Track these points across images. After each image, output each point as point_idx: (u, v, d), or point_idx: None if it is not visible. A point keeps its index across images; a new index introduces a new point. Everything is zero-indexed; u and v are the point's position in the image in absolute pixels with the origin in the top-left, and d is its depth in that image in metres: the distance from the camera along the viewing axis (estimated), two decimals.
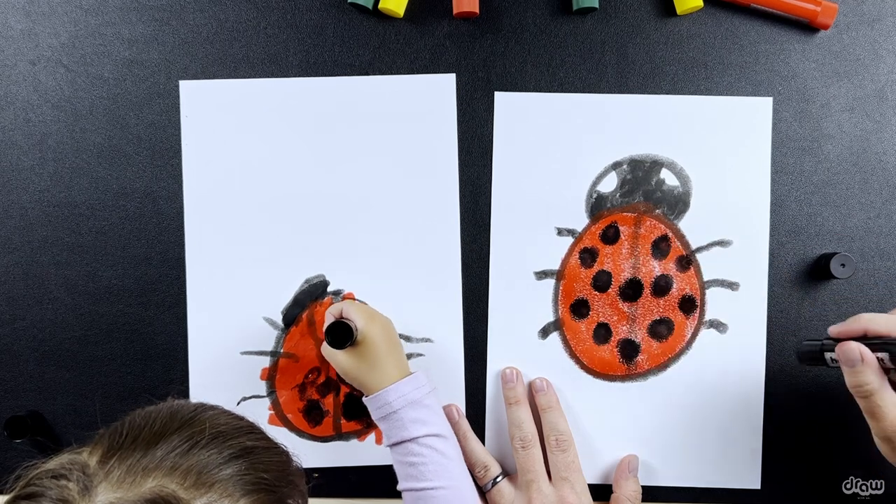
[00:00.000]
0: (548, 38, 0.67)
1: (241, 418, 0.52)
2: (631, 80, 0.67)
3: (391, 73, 0.67)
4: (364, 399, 0.63)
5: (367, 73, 0.67)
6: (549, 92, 0.67)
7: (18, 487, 0.45)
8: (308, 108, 0.67)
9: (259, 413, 0.68)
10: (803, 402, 0.69)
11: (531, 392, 0.68)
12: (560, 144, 0.68)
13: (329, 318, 0.64)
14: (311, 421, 0.69)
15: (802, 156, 0.68)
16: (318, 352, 0.68)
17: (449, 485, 0.60)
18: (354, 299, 0.68)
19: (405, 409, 0.61)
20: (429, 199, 0.68)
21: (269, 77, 0.67)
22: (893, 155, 0.68)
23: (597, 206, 0.68)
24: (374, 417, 0.63)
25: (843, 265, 0.65)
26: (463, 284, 0.68)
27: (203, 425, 0.48)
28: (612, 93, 0.67)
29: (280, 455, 0.51)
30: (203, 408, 0.51)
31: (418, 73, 0.67)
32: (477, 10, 0.66)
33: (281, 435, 0.68)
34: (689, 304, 0.68)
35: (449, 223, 0.68)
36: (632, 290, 0.68)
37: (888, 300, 0.68)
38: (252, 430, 0.51)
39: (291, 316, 0.68)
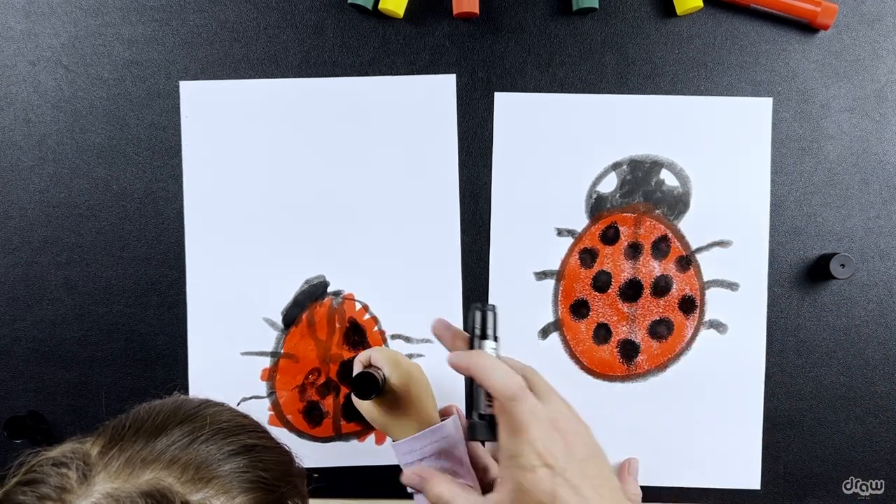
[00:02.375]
0: (548, 39, 0.67)
1: (246, 416, 0.52)
2: (631, 80, 0.67)
3: (391, 74, 0.67)
4: (392, 444, 0.62)
5: (367, 74, 0.67)
6: (549, 92, 0.67)
7: (21, 473, 0.45)
8: (308, 108, 0.67)
9: (259, 414, 0.68)
10: (803, 402, 0.69)
11: None
12: (560, 145, 0.68)
13: (357, 367, 0.63)
14: (311, 422, 0.69)
15: (802, 156, 0.68)
16: (318, 352, 0.68)
17: None
18: (354, 300, 0.68)
19: (430, 458, 0.59)
20: (429, 199, 0.68)
21: (269, 77, 0.67)
22: (893, 155, 0.68)
23: (597, 206, 0.68)
24: (400, 463, 0.61)
25: (843, 265, 0.65)
26: (463, 284, 0.68)
27: (205, 420, 0.48)
28: (612, 93, 0.67)
29: (281, 455, 0.51)
30: (207, 404, 0.51)
31: (418, 73, 0.67)
32: (477, 11, 0.66)
33: (281, 435, 0.68)
34: (688, 305, 0.68)
35: (449, 223, 0.68)
36: (632, 291, 0.68)
37: (888, 300, 0.68)
38: (255, 428, 0.51)
39: (291, 316, 0.68)
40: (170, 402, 0.50)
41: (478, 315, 0.51)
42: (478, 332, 0.51)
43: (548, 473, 0.45)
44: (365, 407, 0.62)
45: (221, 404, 0.52)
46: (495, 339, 0.51)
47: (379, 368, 0.61)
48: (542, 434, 0.46)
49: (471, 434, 0.49)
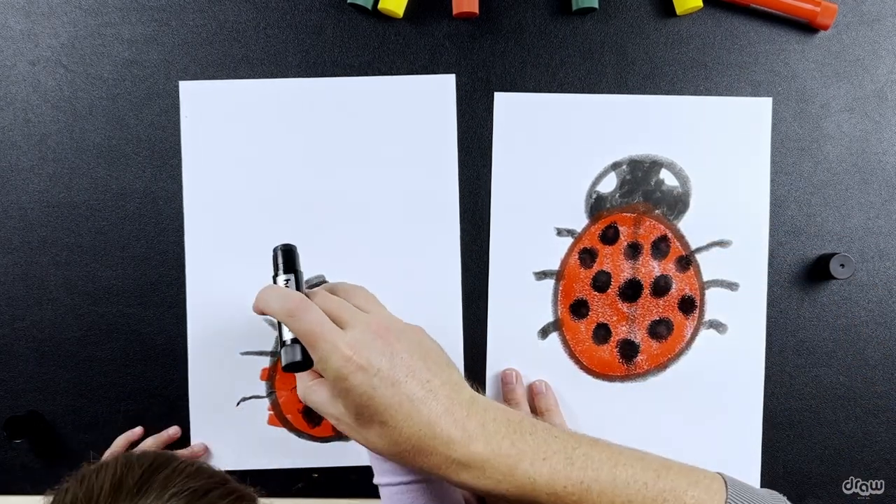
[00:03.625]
0: (548, 39, 0.67)
1: (199, 472, 0.48)
2: (630, 80, 0.67)
3: (391, 74, 0.67)
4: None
5: (366, 74, 0.67)
6: (549, 92, 0.67)
7: None
8: (308, 108, 0.68)
9: (259, 413, 0.68)
10: (803, 402, 0.69)
11: (531, 394, 0.68)
12: (560, 145, 0.68)
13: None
14: (311, 421, 0.69)
15: (802, 156, 0.68)
16: None
17: (428, 477, 0.55)
18: None
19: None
20: (429, 199, 0.68)
21: (268, 77, 0.67)
22: (893, 155, 0.68)
23: (596, 206, 0.68)
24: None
25: (842, 265, 0.65)
26: (463, 284, 0.68)
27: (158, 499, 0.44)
28: (611, 93, 0.67)
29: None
30: (151, 469, 0.46)
31: (418, 73, 0.67)
32: (477, 11, 0.66)
33: (281, 435, 0.68)
34: (688, 305, 0.68)
35: (449, 223, 0.68)
36: (631, 291, 0.68)
37: (888, 300, 0.68)
38: (207, 491, 0.47)
39: None
40: (107, 475, 0.45)
41: (274, 255, 0.52)
42: (276, 271, 0.52)
43: (362, 375, 0.44)
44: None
45: (169, 462, 0.47)
46: (293, 272, 0.52)
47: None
48: (355, 338, 0.45)
49: (283, 364, 0.48)
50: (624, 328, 0.68)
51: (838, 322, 0.68)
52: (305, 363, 0.49)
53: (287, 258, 0.53)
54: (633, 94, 0.67)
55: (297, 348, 0.48)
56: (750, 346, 0.68)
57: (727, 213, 0.68)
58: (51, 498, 0.45)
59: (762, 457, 0.68)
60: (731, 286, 0.68)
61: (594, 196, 0.68)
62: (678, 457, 0.68)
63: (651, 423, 0.68)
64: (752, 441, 0.68)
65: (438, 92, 0.67)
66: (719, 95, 0.67)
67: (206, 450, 0.68)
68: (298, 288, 0.52)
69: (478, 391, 0.49)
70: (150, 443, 0.67)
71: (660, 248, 0.68)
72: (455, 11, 0.66)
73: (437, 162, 0.68)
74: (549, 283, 0.68)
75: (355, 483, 0.69)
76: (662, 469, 0.47)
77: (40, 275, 0.68)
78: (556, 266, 0.68)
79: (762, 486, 0.68)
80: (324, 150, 0.68)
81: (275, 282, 0.51)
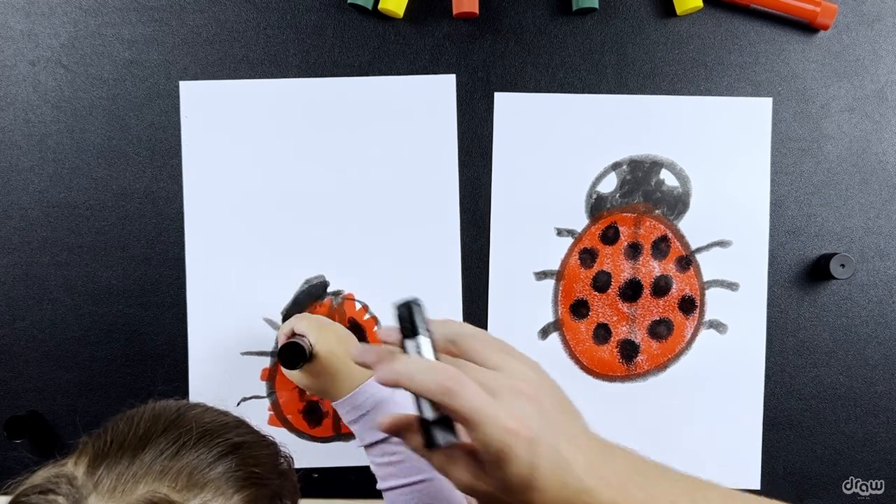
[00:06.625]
0: (548, 39, 0.67)
1: (227, 414, 0.51)
2: (631, 80, 0.67)
3: (391, 74, 0.67)
4: (333, 404, 0.62)
5: (366, 74, 0.67)
6: (549, 92, 0.67)
7: None
8: (308, 108, 0.67)
9: (259, 414, 0.68)
10: (803, 402, 0.69)
11: None
12: (560, 145, 0.68)
13: (281, 339, 0.63)
14: (311, 422, 0.69)
15: (802, 156, 0.68)
16: None
17: (430, 476, 0.58)
18: (354, 300, 0.68)
19: (375, 409, 0.59)
20: (429, 200, 0.68)
21: (268, 77, 0.67)
22: (893, 155, 0.68)
23: (596, 206, 0.68)
24: (345, 421, 0.61)
25: (842, 265, 0.65)
26: (463, 285, 0.68)
27: (189, 425, 0.47)
28: (611, 93, 0.67)
29: (268, 447, 0.51)
30: (187, 407, 0.50)
31: (418, 73, 0.67)
32: (477, 11, 0.66)
33: (281, 435, 0.68)
34: (688, 305, 0.68)
35: (449, 223, 0.68)
36: (631, 291, 0.68)
37: (888, 300, 0.68)
38: (239, 425, 0.50)
39: (291, 316, 0.68)
40: (147, 410, 0.49)
41: (398, 314, 0.46)
42: (405, 333, 0.45)
43: (525, 445, 0.42)
44: (297, 377, 0.62)
45: (199, 405, 0.51)
46: (419, 333, 0.46)
47: (303, 336, 0.61)
48: (512, 405, 0.42)
49: (428, 443, 0.43)
50: (624, 328, 0.68)
51: (838, 322, 0.68)
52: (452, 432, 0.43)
53: (420, 317, 0.46)
54: (633, 94, 0.67)
55: (441, 429, 0.43)
56: (750, 346, 0.68)
57: (727, 213, 0.68)
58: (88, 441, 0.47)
59: (762, 457, 0.68)
60: (732, 286, 0.68)
61: (594, 196, 0.68)
62: (678, 456, 0.68)
63: (651, 423, 0.68)
64: (752, 441, 0.68)
65: (438, 92, 0.67)
66: (719, 95, 0.67)
67: None
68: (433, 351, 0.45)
69: None
70: None
71: (660, 248, 0.68)
72: (455, 11, 0.66)
73: (437, 162, 0.68)
74: (550, 283, 0.68)
75: (355, 483, 0.69)
76: None
77: (40, 275, 0.68)
78: (556, 266, 0.68)
79: (762, 486, 0.68)
80: (324, 151, 0.68)
81: (403, 345, 0.45)
